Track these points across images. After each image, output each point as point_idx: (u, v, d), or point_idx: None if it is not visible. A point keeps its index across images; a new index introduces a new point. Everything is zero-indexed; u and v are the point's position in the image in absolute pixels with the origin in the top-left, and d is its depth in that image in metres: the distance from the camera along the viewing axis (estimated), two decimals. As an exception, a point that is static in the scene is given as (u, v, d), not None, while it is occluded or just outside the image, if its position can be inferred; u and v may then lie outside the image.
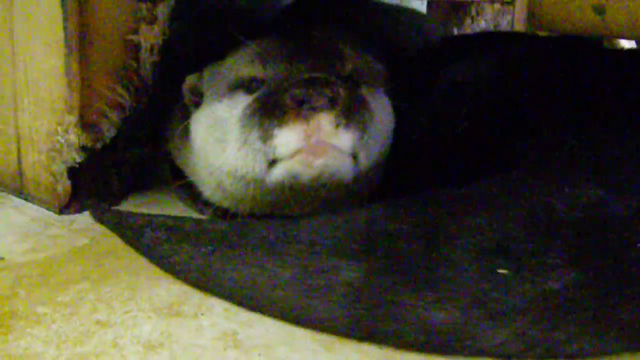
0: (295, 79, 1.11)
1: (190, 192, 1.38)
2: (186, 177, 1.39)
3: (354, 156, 1.13)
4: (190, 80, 1.29)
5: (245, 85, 1.19)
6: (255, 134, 1.12)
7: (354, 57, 1.24)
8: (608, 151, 1.11)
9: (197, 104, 1.28)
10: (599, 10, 1.09)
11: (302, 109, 1.07)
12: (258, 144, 1.11)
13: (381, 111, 1.25)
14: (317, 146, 1.09)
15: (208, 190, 1.30)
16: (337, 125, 1.08)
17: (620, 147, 1.12)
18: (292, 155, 1.09)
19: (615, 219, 0.99)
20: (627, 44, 2.18)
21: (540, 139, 1.20)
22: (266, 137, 1.10)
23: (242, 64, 1.21)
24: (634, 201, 1.01)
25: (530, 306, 0.90)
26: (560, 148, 1.15)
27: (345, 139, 1.10)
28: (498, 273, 0.93)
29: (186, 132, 1.31)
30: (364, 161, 1.15)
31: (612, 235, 0.97)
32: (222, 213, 1.29)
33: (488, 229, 0.99)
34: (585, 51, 1.43)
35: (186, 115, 1.31)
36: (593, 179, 1.05)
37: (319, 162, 1.09)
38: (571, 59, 1.38)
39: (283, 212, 1.21)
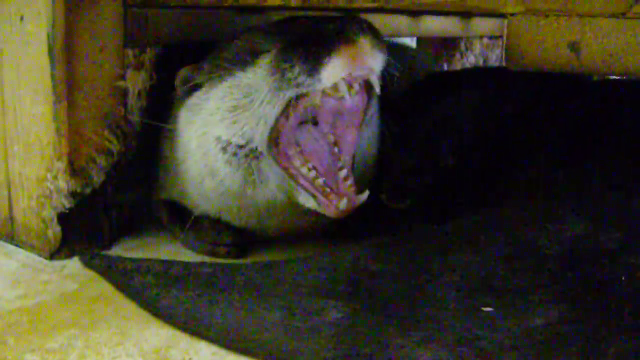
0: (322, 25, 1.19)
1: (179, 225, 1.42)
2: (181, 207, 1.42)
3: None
4: (185, 71, 1.34)
5: (265, 53, 1.24)
6: (297, 70, 1.17)
7: None
8: (592, 184, 1.12)
9: (190, 93, 1.33)
10: (574, 48, 1.11)
11: (344, 35, 1.14)
12: (302, 78, 1.17)
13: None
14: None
15: (196, 195, 1.35)
16: (373, 47, 1.16)
17: (605, 180, 1.12)
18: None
19: (600, 253, 0.99)
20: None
21: (525, 173, 1.21)
22: (314, 69, 1.15)
23: (259, 40, 1.27)
24: (619, 234, 1.01)
25: (517, 343, 0.90)
26: (545, 182, 1.16)
27: (379, 58, 1.18)
28: (483, 310, 0.93)
29: (172, 144, 1.36)
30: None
31: (597, 269, 0.97)
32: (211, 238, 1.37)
33: (472, 266, 0.99)
34: (570, 85, 1.44)
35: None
36: (578, 213, 1.05)
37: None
38: (556, 93, 1.39)
39: (272, 212, 1.30)
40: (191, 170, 1.33)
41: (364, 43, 1.15)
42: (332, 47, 1.14)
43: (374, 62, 1.17)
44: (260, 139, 1.22)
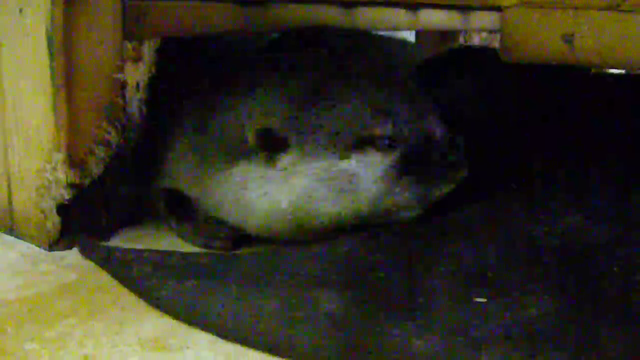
0: (434, 140, 1.23)
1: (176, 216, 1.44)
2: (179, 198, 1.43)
3: None
4: (263, 121, 1.26)
5: (374, 143, 1.22)
6: (409, 193, 1.20)
7: None
8: (588, 178, 1.13)
9: (275, 149, 1.26)
10: (568, 40, 1.11)
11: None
12: (415, 200, 1.20)
13: None
14: None
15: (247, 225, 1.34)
16: None
17: (600, 174, 1.13)
18: None
19: (593, 246, 1.01)
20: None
21: (520, 166, 1.22)
22: (425, 195, 1.20)
23: (358, 119, 1.23)
24: (613, 227, 1.02)
25: (510, 333, 0.91)
26: (540, 175, 1.17)
27: None
28: (477, 301, 0.94)
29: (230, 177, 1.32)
30: None
31: (591, 262, 0.98)
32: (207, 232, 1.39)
33: (466, 257, 1.01)
34: (567, 79, 1.45)
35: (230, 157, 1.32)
36: (571, 206, 1.06)
37: None
38: (553, 86, 1.40)
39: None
40: (230, 213, 1.34)
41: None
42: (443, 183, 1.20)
43: None
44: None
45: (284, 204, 1.26)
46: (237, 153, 1.30)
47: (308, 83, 1.29)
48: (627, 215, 1.04)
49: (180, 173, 1.43)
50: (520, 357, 0.90)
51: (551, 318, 0.92)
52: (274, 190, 1.26)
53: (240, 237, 1.38)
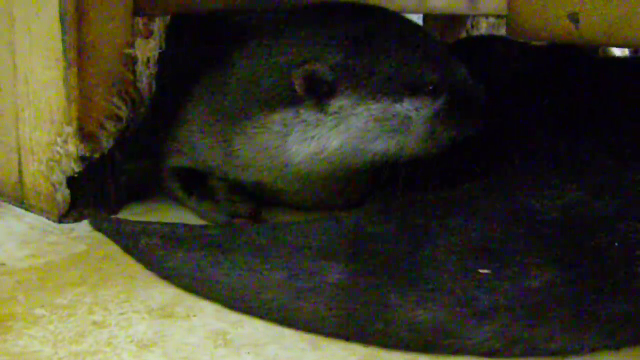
0: (472, 86, 1.34)
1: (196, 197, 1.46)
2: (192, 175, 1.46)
3: None
4: (310, 67, 1.27)
5: (423, 88, 1.29)
6: (447, 134, 1.31)
7: None
8: (588, 154, 1.14)
9: (319, 95, 1.28)
10: (574, 19, 1.12)
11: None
12: (448, 141, 1.31)
13: None
14: None
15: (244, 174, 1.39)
16: None
17: (602, 149, 1.14)
18: None
19: (594, 220, 1.01)
20: (618, 53, 2.21)
21: (522, 142, 1.23)
22: (459, 135, 1.31)
23: (409, 66, 1.29)
24: (613, 202, 1.03)
25: (512, 304, 0.93)
26: (542, 151, 1.18)
27: None
28: (480, 272, 0.96)
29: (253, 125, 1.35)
30: None
31: (591, 235, 0.99)
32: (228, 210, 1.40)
33: (470, 230, 1.01)
34: (571, 58, 1.46)
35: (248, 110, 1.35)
36: (573, 181, 1.07)
37: None
38: (556, 64, 1.41)
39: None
40: (263, 167, 1.37)
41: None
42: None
43: None
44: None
45: (335, 145, 1.29)
46: (274, 101, 1.32)
47: (358, 30, 1.33)
48: (629, 191, 1.04)
49: (196, 146, 1.45)
50: (522, 327, 0.92)
51: (552, 290, 0.93)
52: (324, 134, 1.29)
53: (260, 213, 1.40)
